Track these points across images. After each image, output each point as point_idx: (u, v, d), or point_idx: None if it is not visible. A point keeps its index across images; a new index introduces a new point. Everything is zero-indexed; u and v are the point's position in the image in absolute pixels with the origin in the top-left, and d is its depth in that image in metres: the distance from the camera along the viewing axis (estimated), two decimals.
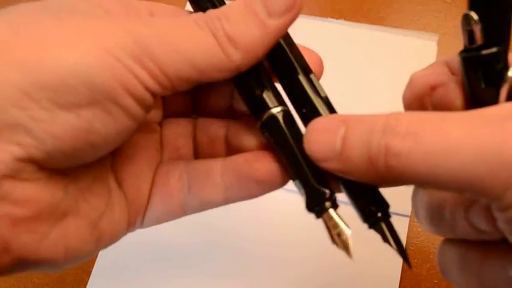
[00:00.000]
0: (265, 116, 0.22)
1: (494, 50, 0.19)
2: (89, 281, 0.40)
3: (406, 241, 0.39)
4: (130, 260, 0.40)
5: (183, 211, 0.25)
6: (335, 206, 0.22)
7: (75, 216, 0.21)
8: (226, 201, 0.24)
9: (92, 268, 0.40)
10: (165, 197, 0.25)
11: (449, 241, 0.22)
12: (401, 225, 0.38)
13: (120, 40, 0.19)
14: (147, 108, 0.20)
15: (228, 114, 0.26)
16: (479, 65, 0.20)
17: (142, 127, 0.24)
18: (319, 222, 0.22)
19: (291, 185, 0.23)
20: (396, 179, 0.19)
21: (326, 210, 0.22)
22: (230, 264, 0.39)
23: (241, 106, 0.25)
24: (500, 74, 0.20)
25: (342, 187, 0.22)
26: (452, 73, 0.22)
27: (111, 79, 0.18)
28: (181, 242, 0.40)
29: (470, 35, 0.20)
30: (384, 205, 0.22)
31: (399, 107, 0.23)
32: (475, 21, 0.19)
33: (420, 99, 0.22)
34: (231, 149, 0.25)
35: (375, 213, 0.21)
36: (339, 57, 0.46)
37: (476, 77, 0.20)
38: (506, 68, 0.20)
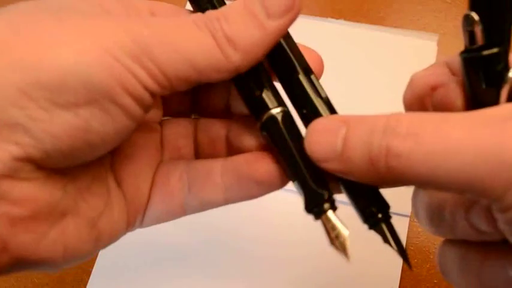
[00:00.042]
0: (265, 116, 0.22)
1: (495, 50, 0.19)
2: (89, 281, 0.40)
3: (406, 241, 0.39)
4: (130, 260, 0.40)
5: (183, 211, 0.25)
6: (334, 207, 0.22)
7: (74, 216, 0.21)
8: (226, 201, 0.24)
9: (92, 268, 0.40)
10: (166, 197, 0.25)
11: (449, 242, 0.22)
12: (401, 226, 0.38)
13: (119, 40, 0.19)
14: (146, 108, 0.20)
15: (229, 115, 0.26)
16: (480, 65, 0.20)
17: (141, 127, 0.24)
18: (319, 223, 0.22)
19: (291, 185, 0.23)
20: (397, 180, 0.19)
21: (324, 212, 0.22)
22: (230, 264, 0.39)
23: (239, 107, 0.25)
24: (500, 75, 0.20)
25: (342, 188, 0.22)
26: (453, 74, 0.22)
27: (109, 78, 0.18)
28: (181, 242, 0.40)
29: (471, 36, 0.20)
30: (384, 206, 0.22)
31: (399, 107, 0.23)
32: (475, 21, 0.19)
33: (421, 100, 0.22)
34: (232, 150, 0.25)
35: (375, 214, 0.21)
36: (339, 57, 0.46)
37: (477, 77, 0.20)
38: (507, 69, 0.20)
